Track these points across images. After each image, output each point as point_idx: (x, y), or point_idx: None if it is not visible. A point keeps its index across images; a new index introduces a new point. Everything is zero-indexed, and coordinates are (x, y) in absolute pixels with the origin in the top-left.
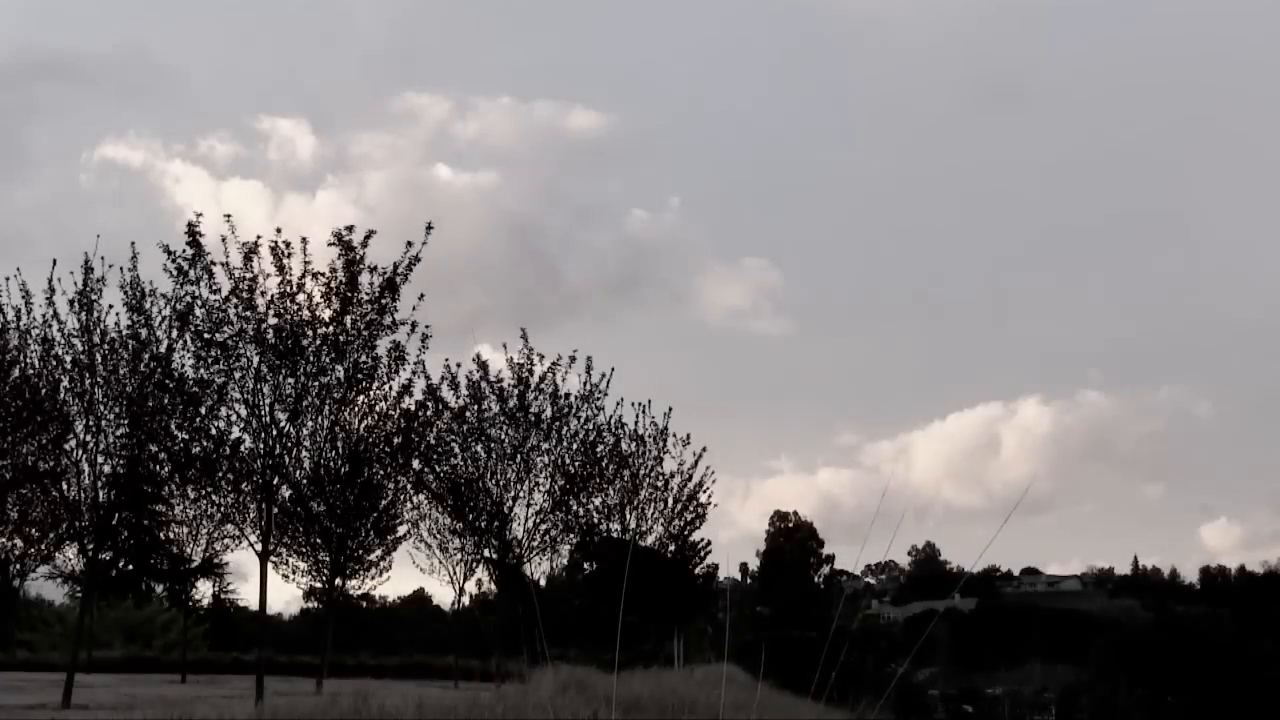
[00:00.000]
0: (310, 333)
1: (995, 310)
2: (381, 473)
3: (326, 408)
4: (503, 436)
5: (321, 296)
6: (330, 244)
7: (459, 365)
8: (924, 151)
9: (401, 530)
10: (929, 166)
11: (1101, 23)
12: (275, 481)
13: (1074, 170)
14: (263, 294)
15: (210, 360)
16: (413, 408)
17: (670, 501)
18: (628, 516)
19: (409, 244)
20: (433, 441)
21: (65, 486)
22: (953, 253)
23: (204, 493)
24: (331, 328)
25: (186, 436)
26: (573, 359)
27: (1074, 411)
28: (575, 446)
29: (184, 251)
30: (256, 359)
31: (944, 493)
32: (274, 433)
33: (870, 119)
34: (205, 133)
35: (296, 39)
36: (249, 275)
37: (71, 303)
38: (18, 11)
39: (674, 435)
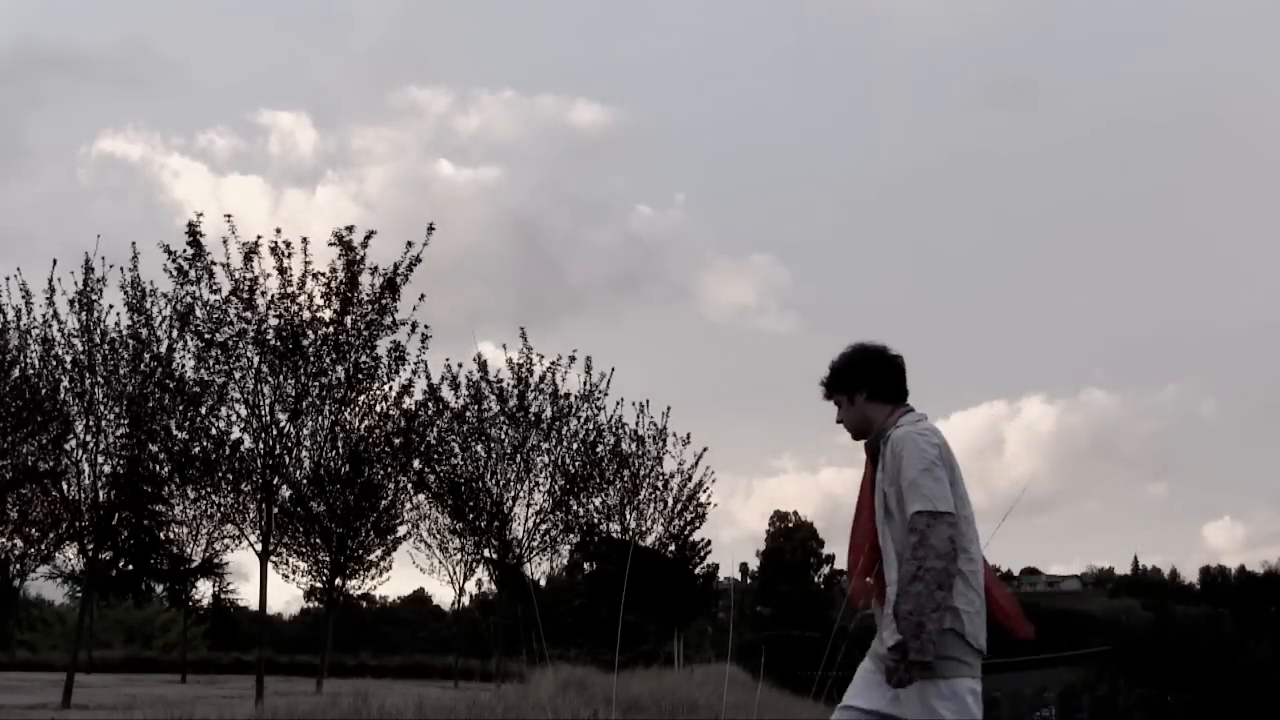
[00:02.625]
0: (311, 333)
1: (1000, 307)
2: (382, 473)
3: (327, 408)
4: (503, 436)
5: (322, 297)
6: (331, 244)
7: (459, 365)
8: (931, 147)
9: (401, 530)
10: (937, 162)
11: (1113, 16)
12: (275, 481)
13: (1081, 166)
14: (263, 294)
15: (210, 360)
16: (413, 408)
17: (670, 501)
18: (627, 516)
19: (409, 244)
20: (433, 441)
21: (65, 486)
22: (958, 249)
23: (204, 493)
24: (332, 328)
25: (186, 436)
26: (572, 359)
27: (1078, 410)
28: (575, 446)
29: (184, 251)
30: (257, 359)
31: None
32: (274, 433)
33: (878, 114)
34: (205, 126)
35: (297, 31)
36: (249, 275)
37: (72, 303)
38: (18, 3)
39: (674, 435)
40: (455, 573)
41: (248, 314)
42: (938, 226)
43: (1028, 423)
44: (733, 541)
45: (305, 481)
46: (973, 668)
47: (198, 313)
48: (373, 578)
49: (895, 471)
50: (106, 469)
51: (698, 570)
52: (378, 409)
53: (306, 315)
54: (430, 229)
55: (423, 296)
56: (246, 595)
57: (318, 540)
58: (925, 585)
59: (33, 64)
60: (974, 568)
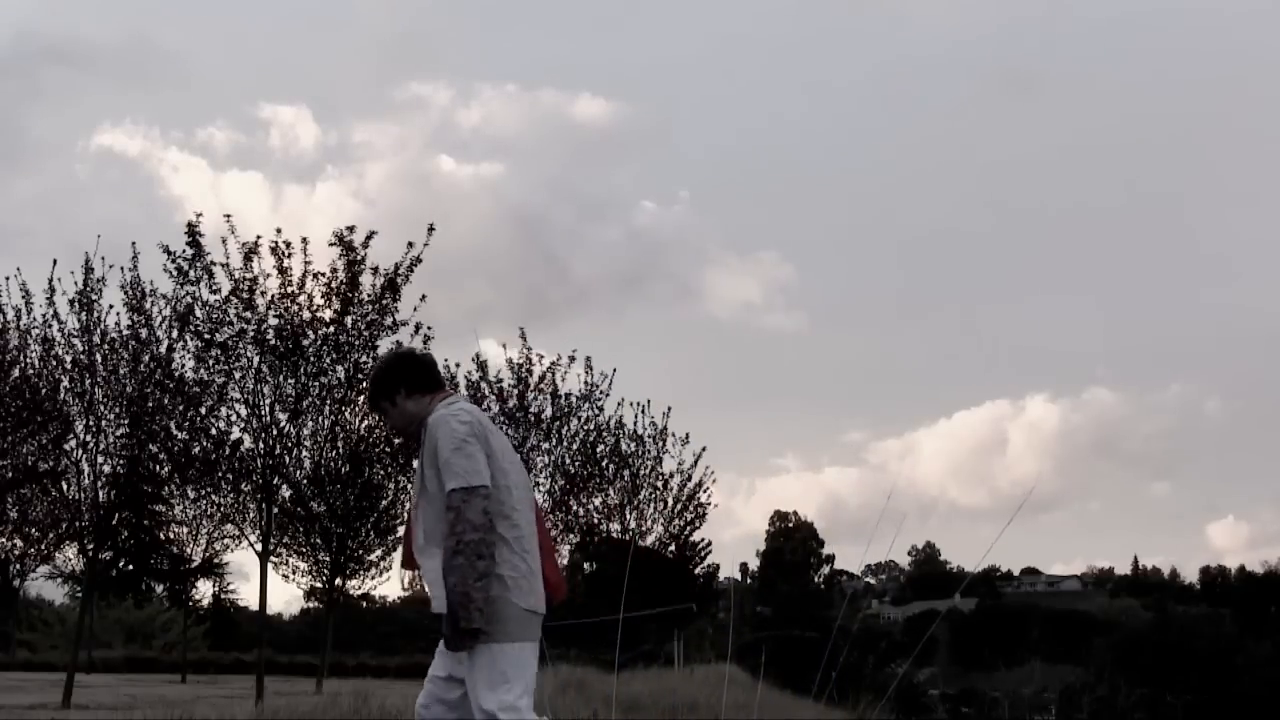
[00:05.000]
0: (311, 333)
1: (1004, 306)
2: (382, 473)
3: (327, 408)
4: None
5: (322, 297)
6: (331, 244)
7: (458, 365)
8: (937, 143)
9: (401, 530)
10: (942, 159)
11: (1121, 11)
12: (275, 481)
13: (1087, 163)
14: (263, 294)
15: (210, 360)
16: None
17: (670, 501)
18: (627, 517)
19: (410, 244)
20: None
21: (65, 486)
22: (964, 246)
23: (204, 493)
24: (332, 328)
25: (186, 436)
26: (572, 359)
27: (1082, 409)
28: (575, 447)
29: (184, 252)
30: (257, 359)
31: (949, 492)
32: (274, 433)
33: (884, 110)
34: (204, 121)
35: (299, 24)
36: (249, 275)
37: (72, 303)
38: None
39: (673, 435)
40: None
41: (248, 314)
42: (943, 223)
43: (1031, 421)
44: (735, 541)
45: (305, 481)
46: (526, 628)
47: (197, 313)
48: (373, 578)
49: (432, 453)
50: (106, 469)
51: (698, 570)
52: None
53: (306, 315)
54: (431, 229)
55: (424, 297)
56: (246, 595)
57: (318, 540)
58: (466, 558)
59: (32, 56)
60: (519, 534)
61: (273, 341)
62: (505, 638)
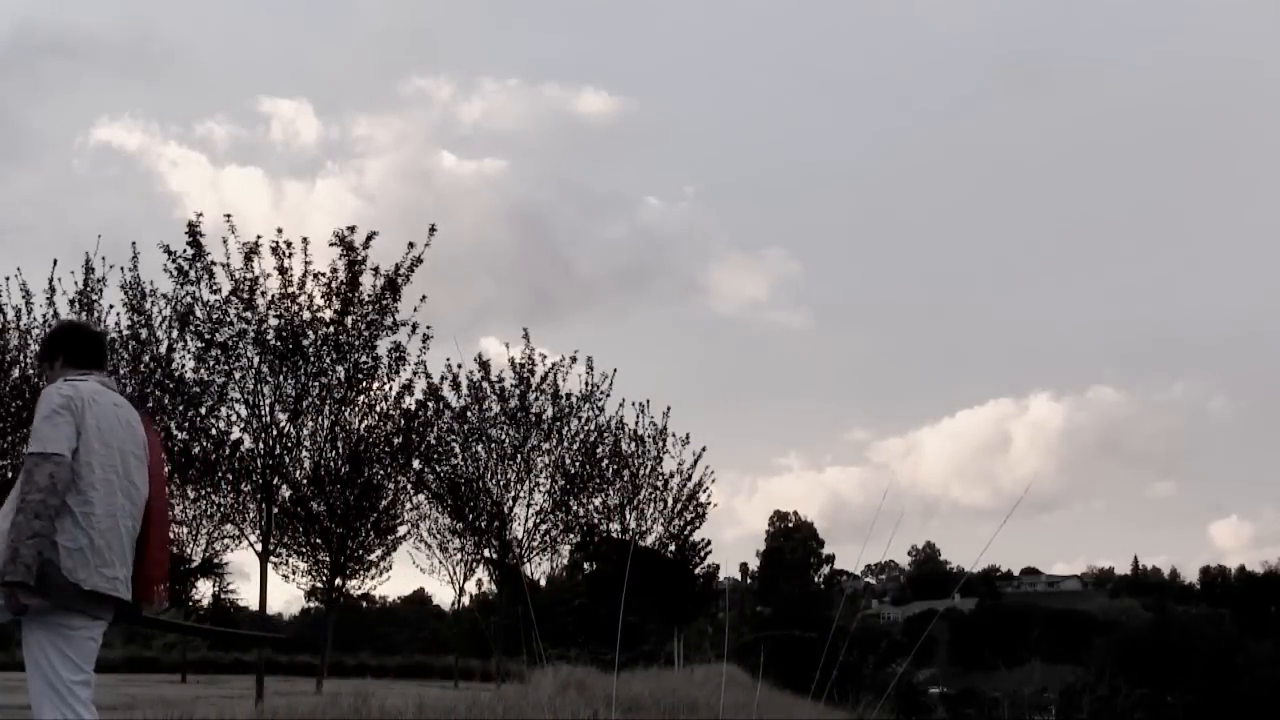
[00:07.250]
0: (311, 333)
1: (1009, 303)
2: (382, 473)
3: (327, 408)
4: (503, 437)
5: (322, 297)
6: (331, 244)
7: (459, 365)
8: (944, 140)
9: (401, 530)
10: (948, 156)
11: (1125, 8)
12: (275, 481)
13: (1093, 160)
14: (263, 294)
15: (210, 361)
16: (413, 408)
17: (670, 501)
18: (627, 516)
19: (411, 245)
20: (433, 441)
21: None
22: (969, 245)
23: (204, 493)
24: (332, 328)
25: (186, 436)
26: (574, 359)
27: (1086, 408)
28: (576, 447)
29: (184, 252)
30: (257, 359)
31: (952, 491)
32: (274, 433)
33: (890, 105)
34: (204, 115)
35: (300, 17)
36: (250, 276)
37: (72, 303)
38: None
39: (673, 435)
40: (455, 573)
41: (248, 314)
42: (949, 221)
43: (1035, 420)
44: (735, 541)
45: (305, 481)
46: (76, 601)
47: (198, 313)
48: (373, 578)
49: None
50: None
51: (698, 570)
52: (378, 409)
53: (307, 315)
54: (432, 230)
55: (424, 298)
56: (246, 595)
57: (318, 540)
58: (25, 515)
59: (32, 49)
60: (88, 510)
61: (273, 341)
62: (57, 603)
